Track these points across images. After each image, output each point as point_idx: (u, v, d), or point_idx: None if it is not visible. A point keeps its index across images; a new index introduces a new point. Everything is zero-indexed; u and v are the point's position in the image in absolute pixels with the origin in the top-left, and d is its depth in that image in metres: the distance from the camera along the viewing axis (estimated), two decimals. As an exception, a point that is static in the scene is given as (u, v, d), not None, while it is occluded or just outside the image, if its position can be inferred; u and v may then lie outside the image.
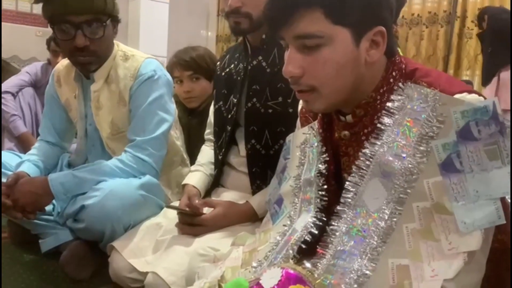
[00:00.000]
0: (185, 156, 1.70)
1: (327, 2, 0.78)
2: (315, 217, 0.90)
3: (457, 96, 0.78)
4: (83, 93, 1.56)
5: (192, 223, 1.20)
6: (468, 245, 0.72)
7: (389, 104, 0.81)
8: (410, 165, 0.77)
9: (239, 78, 1.31)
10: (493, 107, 0.71)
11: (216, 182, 1.40)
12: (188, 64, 1.85)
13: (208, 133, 1.52)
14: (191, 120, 1.94)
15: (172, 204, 1.36)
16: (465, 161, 0.73)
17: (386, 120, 0.81)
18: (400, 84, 0.82)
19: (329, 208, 0.90)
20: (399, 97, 0.81)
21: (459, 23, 5.10)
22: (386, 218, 0.78)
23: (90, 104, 1.52)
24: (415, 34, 5.50)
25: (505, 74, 3.90)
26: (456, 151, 0.73)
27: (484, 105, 0.72)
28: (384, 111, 0.82)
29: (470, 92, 0.79)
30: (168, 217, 1.29)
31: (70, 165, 1.66)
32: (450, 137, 0.74)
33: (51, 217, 1.51)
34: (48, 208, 1.44)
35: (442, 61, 5.28)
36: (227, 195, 1.32)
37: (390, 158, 0.78)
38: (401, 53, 2.40)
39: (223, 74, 1.39)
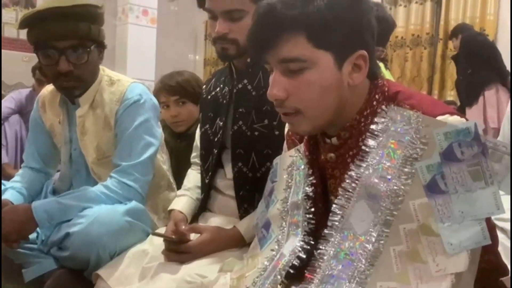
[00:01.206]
0: (172, 180, 1.68)
1: (310, 27, 0.80)
2: (303, 240, 0.90)
3: (439, 118, 0.79)
4: (68, 118, 1.55)
5: (178, 250, 1.18)
6: (455, 266, 0.72)
7: (373, 126, 0.82)
8: (395, 187, 0.77)
9: (225, 101, 1.31)
10: (474, 128, 0.73)
11: (203, 206, 1.38)
12: (173, 89, 1.85)
13: (194, 156, 1.51)
14: (179, 144, 1.93)
15: (158, 231, 1.34)
16: (449, 182, 0.74)
17: (370, 142, 0.81)
18: (383, 107, 0.83)
19: (316, 232, 0.89)
20: (383, 120, 0.82)
21: (441, 45, 5.23)
22: (374, 240, 0.78)
23: (75, 129, 1.51)
24: (399, 56, 5.62)
25: (489, 93, 3.98)
26: (440, 172, 0.74)
27: (466, 127, 0.73)
28: (368, 133, 0.82)
29: (452, 113, 0.81)
30: (155, 244, 1.27)
31: (55, 192, 1.63)
32: (434, 159, 0.75)
33: (35, 246, 1.47)
34: (32, 236, 1.41)
35: (426, 82, 5.38)
36: (214, 220, 1.30)
37: (376, 180, 0.79)
38: (390, 75, 2.43)
39: (209, 97, 1.40)
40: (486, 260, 0.81)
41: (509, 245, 1.28)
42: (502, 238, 1.10)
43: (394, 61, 5.63)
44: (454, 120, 0.78)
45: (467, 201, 0.72)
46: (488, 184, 0.71)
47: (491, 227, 0.76)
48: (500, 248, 0.88)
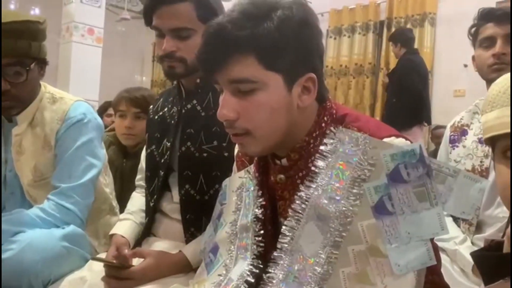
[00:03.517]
0: (115, 204, 1.61)
1: (260, 48, 0.80)
2: (251, 264, 0.88)
3: (385, 139, 0.81)
4: (3, 137, 1.46)
5: (120, 276, 1.11)
6: (402, 287, 0.72)
7: (322, 147, 0.83)
8: (344, 208, 0.77)
9: (173, 121, 1.28)
10: (419, 150, 0.75)
11: (147, 231, 1.32)
12: (138, 101, 1.83)
13: (139, 179, 1.46)
14: (126, 164, 1.87)
15: (98, 256, 1.27)
16: (396, 203, 0.75)
17: (319, 163, 0.82)
18: (332, 128, 0.84)
19: (266, 255, 0.88)
20: (332, 141, 0.82)
21: (382, 74, 5.49)
22: (323, 262, 0.77)
23: (11, 149, 1.41)
24: (343, 83, 5.84)
25: (406, 133, 4.12)
26: (387, 193, 0.75)
27: (411, 149, 0.75)
28: (317, 154, 0.83)
29: (397, 136, 0.83)
30: (94, 270, 1.20)
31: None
32: (381, 180, 0.76)
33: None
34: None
35: (368, 109, 5.62)
36: (159, 245, 1.25)
37: (325, 201, 0.79)
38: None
39: (156, 117, 1.36)
40: (430, 280, 0.83)
41: (448, 265, 1.33)
42: (443, 258, 1.14)
43: (338, 89, 5.84)
44: (400, 142, 0.80)
45: (413, 222, 0.73)
46: (433, 205, 0.72)
47: (435, 247, 0.78)
48: (442, 269, 0.91)
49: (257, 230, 0.91)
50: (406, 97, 4.21)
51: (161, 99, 1.40)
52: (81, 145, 1.40)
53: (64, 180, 1.36)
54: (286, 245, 0.81)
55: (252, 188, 0.95)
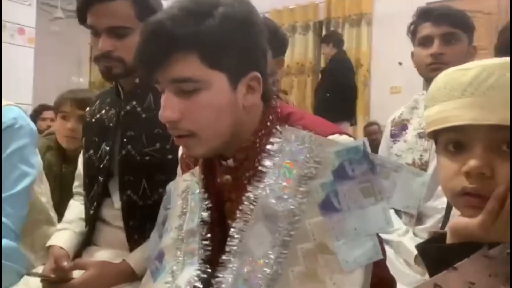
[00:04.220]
0: (52, 214, 1.52)
1: (202, 46, 0.78)
2: (199, 269, 0.86)
3: (330, 137, 0.81)
4: None
5: (59, 291, 1.05)
6: (351, 283, 0.73)
7: (268, 146, 0.82)
8: (292, 206, 0.77)
9: (111, 124, 1.23)
10: (363, 147, 0.76)
11: (87, 240, 1.26)
12: (83, 103, 1.72)
13: (77, 186, 1.39)
14: (65, 169, 1.79)
15: (35, 270, 1.19)
16: (342, 199, 0.75)
17: (267, 162, 0.81)
18: (278, 127, 0.84)
19: (214, 259, 0.86)
20: (278, 140, 0.82)
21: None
22: (272, 263, 0.77)
23: None
24: (285, 83, 5.92)
25: (341, 126, 4.31)
26: (334, 190, 0.75)
27: (355, 145, 0.76)
28: (264, 154, 0.82)
29: (341, 133, 0.84)
30: (30, 286, 1.13)
31: None
32: (328, 177, 0.76)
33: None
34: None
35: (311, 108, 5.73)
36: (100, 255, 1.19)
37: (273, 201, 0.78)
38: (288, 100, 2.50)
39: (93, 120, 1.30)
40: (377, 274, 0.84)
41: (392, 257, 1.37)
42: (387, 250, 1.17)
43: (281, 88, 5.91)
44: (344, 139, 0.81)
45: (360, 217, 0.74)
46: (378, 200, 0.73)
47: (381, 241, 0.80)
48: (386, 261, 0.93)
49: (204, 233, 0.88)
50: (342, 92, 4.42)
51: (98, 101, 1.34)
52: (12, 152, 1.30)
53: (-6, 190, 1.26)
54: (235, 248, 0.80)
55: (197, 191, 0.92)
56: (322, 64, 5.65)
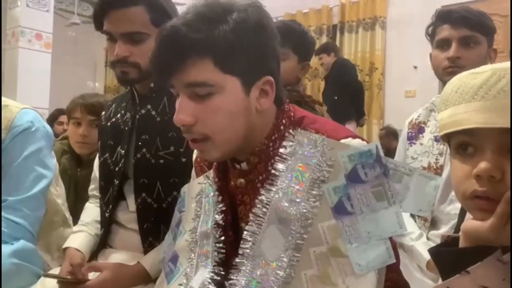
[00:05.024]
0: (68, 216, 1.54)
1: (216, 52, 0.79)
2: (213, 272, 0.86)
3: (343, 141, 0.81)
4: None
5: (75, 292, 1.06)
6: (364, 286, 0.73)
7: (281, 150, 0.82)
8: (304, 210, 0.77)
9: (126, 128, 1.24)
10: (376, 150, 0.76)
11: (103, 242, 1.27)
12: (94, 108, 1.76)
13: (93, 188, 1.41)
14: (80, 173, 1.80)
15: (51, 271, 1.21)
16: (355, 203, 0.75)
17: (279, 166, 0.81)
18: (291, 131, 0.84)
19: (227, 261, 0.86)
20: (291, 143, 0.82)
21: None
22: (285, 266, 0.77)
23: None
24: (299, 86, 5.90)
25: (349, 126, 4.27)
26: (346, 194, 0.76)
27: (368, 149, 0.76)
28: (277, 157, 0.82)
29: (354, 137, 0.84)
30: (47, 287, 1.14)
31: None
32: (340, 181, 0.76)
33: None
34: None
35: (325, 111, 5.70)
36: (115, 257, 1.21)
37: (286, 204, 0.78)
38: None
39: (108, 124, 1.32)
40: (390, 278, 0.84)
41: (407, 262, 1.36)
42: (401, 254, 1.16)
43: (295, 91, 5.90)
44: (357, 142, 0.81)
45: (372, 221, 0.74)
46: (390, 204, 0.73)
47: (394, 245, 0.79)
48: (400, 266, 0.93)
49: (217, 236, 0.89)
50: (351, 90, 4.41)
51: (114, 105, 1.36)
52: (29, 155, 1.33)
53: (12, 192, 1.28)
54: (248, 251, 0.80)
55: (211, 194, 0.93)
56: (321, 75, 5.64)
